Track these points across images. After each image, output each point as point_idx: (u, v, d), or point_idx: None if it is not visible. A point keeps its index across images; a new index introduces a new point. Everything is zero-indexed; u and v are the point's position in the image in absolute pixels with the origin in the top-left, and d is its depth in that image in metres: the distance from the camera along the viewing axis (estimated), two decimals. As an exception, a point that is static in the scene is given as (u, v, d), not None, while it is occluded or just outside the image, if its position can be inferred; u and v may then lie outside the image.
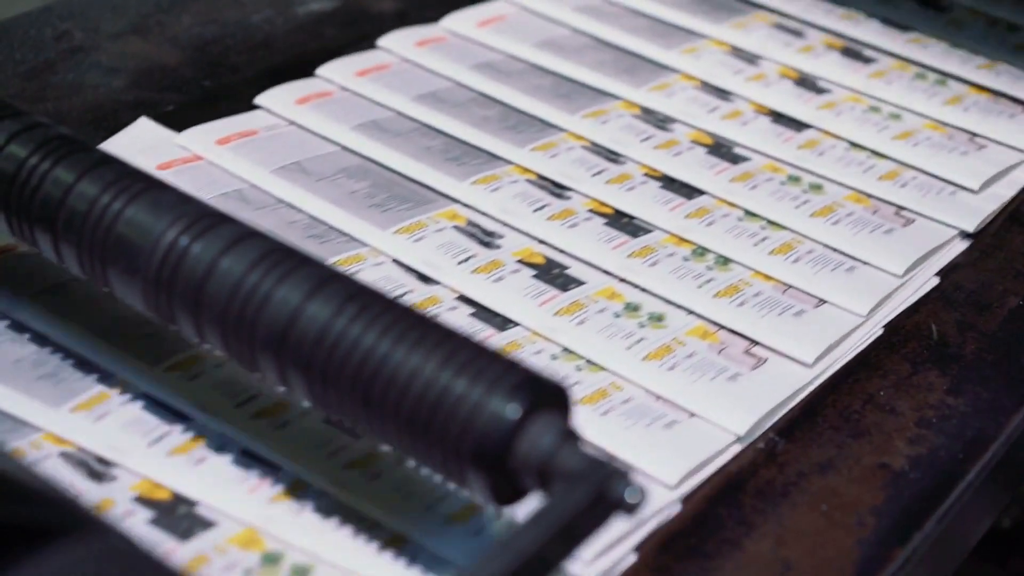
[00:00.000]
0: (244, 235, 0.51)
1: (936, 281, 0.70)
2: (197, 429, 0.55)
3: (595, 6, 0.91)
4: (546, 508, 0.44)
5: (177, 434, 0.55)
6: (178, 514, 0.52)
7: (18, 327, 0.60)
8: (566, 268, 0.67)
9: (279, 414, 0.56)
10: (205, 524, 0.52)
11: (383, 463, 0.54)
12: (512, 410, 0.45)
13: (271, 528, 0.51)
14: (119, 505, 0.52)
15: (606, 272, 0.67)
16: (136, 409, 0.56)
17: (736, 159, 0.77)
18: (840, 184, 0.76)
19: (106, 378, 0.58)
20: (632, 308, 0.65)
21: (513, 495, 0.47)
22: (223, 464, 0.54)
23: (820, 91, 0.84)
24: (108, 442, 0.54)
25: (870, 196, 0.75)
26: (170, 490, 0.53)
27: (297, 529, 0.51)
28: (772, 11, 0.92)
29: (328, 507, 0.52)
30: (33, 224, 0.55)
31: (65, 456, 0.54)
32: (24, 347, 0.59)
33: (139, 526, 0.52)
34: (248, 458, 0.54)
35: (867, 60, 0.87)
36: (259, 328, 0.49)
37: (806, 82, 0.85)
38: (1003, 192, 0.77)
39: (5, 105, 0.58)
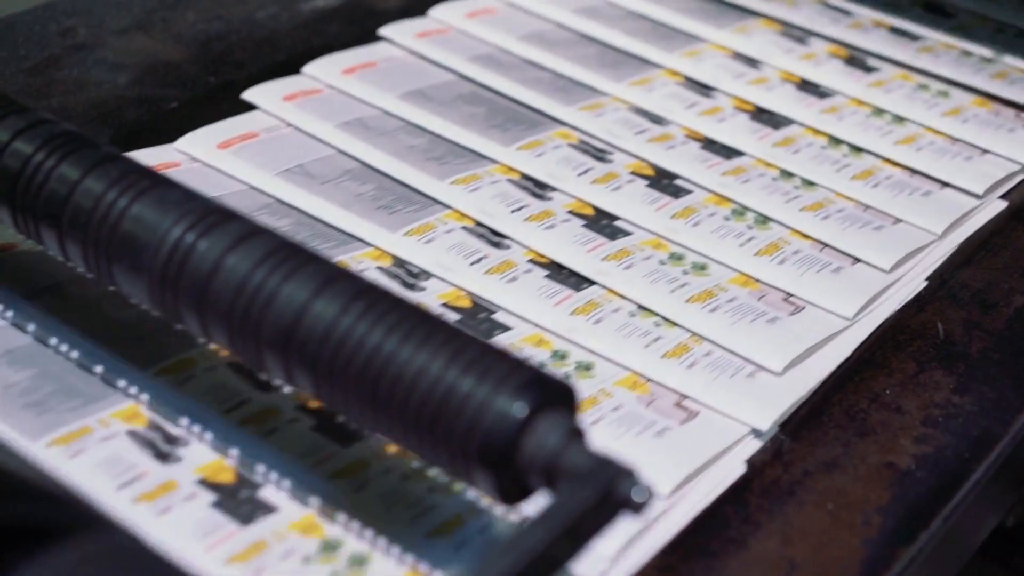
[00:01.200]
0: (250, 232, 0.51)
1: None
2: (169, 475, 0.53)
3: (595, 7, 0.91)
4: (553, 507, 0.44)
5: (148, 479, 0.53)
6: (240, 498, 0.52)
7: (19, 349, 0.58)
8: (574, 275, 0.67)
9: (267, 421, 0.56)
10: (267, 509, 0.52)
11: (369, 473, 0.54)
12: (519, 408, 0.45)
13: None
14: (183, 488, 0.53)
15: (587, 277, 0.67)
16: (114, 446, 0.54)
17: (678, 192, 0.75)
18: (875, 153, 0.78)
19: (93, 408, 0.56)
20: (644, 308, 0.65)
21: (519, 494, 0.47)
22: (186, 516, 0.52)
23: (823, 95, 0.84)
24: (78, 483, 0.52)
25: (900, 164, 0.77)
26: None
27: None
28: (777, 19, 0.92)
29: (286, 574, 0.50)
30: (39, 221, 0.55)
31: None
32: (18, 372, 0.57)
33: (201, 509, 0.52)
34: (214, 510, 0.52)
35: (869, 69, 0.87)
36: (265, 326, 0.49)
37: (808, 86, 0.85)
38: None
39: (10, 101, 0.58)
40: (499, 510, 0.52)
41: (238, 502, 0.52)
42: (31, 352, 0.58)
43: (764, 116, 0.81)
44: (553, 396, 0.46)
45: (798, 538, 0.54)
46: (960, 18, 0.94)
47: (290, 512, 0.52)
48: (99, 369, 0.57)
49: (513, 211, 0.70)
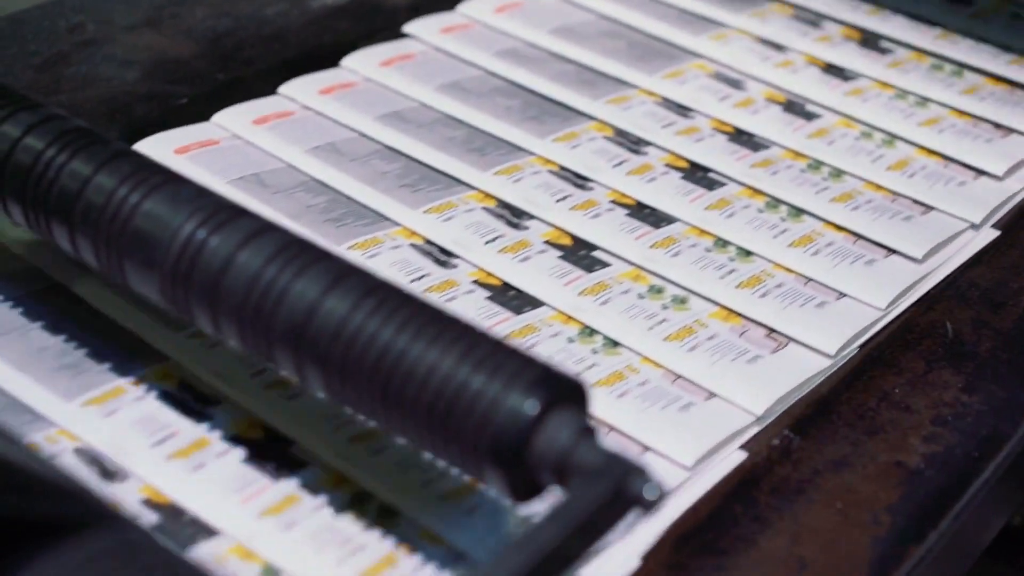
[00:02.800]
0: (262, 229, 0.51)
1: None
2: (203, 432, 0.55)
3: (569, 26, 0.91)
4: (564, 504, 0.44)
5: (181, 437, 0.55)
6: (271, 453, 0.54)
7: (53, 314, 0.60)
8: (592, 251, 0.68)
9: (290, 386, 0.57)
10: (298, 464, 0.54)
11: (386, 438, 0.55)
12: (530, 406, 0.45)
13: (254, 543, 0.51)
14: (215, 444, 0.54)
15: (629, 261, 0.68)
16: (147, 406, 0.56)
17: (757, 146, 0.78)
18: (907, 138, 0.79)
19: (124, 369, 0.58)
20: (656, 290, 0.66)
21: (530, 491, 0.47)
22: (219, 472, 0.53)
23: (847, 78, 0.84)
24: (112, 441, 0.54)
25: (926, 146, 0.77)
26: (168, 498, 0.52)
27: (285, 546, 0.51)
28: (792, 4, 0.92)
29: (318, 526, 0.51)
30: (50, 216, 0.55)
31: (79, 452, 0.54)
32: (54, 336, 0.59)
33: (234, 464, 0.53)
34: (246, 465, 0.54)
35: (884, 51, 0.87)
36: (277, 322, 0.49)
37: (832, 69, 0.85)
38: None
39: (22, 97, 0.58)
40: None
41: (270, 457, 0.54)
42: (65, 317, 0.60)
43: (795, 107, 0.82)
44: (564, 393, 0.46)
45: (807, 536, 0.54)
46: (979, 4, 0.94)
47: (319, 465, 0.53)
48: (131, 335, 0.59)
49: (558, 200, 0.71)
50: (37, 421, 0.55)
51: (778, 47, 0.87)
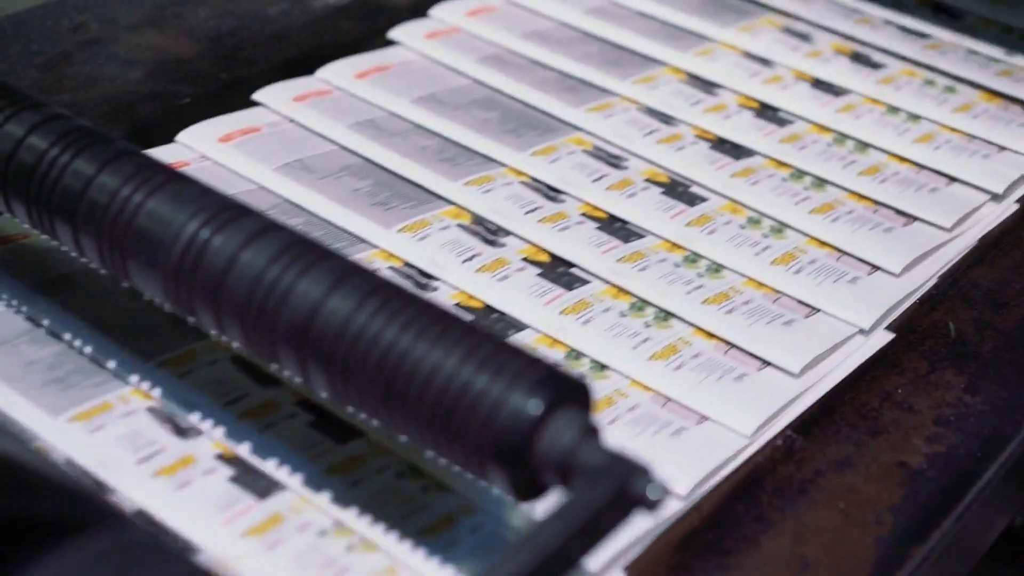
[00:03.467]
0: (265, 228, 0.51)
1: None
2: (189, 449, 0.54)
3: (602, 7, 0.91)
4: (568, 504, 0.44)
5: (167, 454, 0.54)
6: (257, 473, 0.53)
7: (41, 327, 0.59)
8: (570, 267, 0.67)
9: (265, 415, 0.56)
10: (284, 483, 0.53)
11: (364, 471, 0.54)
12: (534, 406, 0.45)
13: (238, 564, 0.50)
14: (201, 462, 0.54)
15: (601, 277, 0.67)
16: (134, 422, 0.55)
17: (693, 200, 0.74)
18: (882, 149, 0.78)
19: (113, 384, 0.57)
20: (638, 308, 0.65)
21: (534, 490, 0.47)
22: (205, 490, 0.53)
23: (837, 94, 0.84)
24: (98, 457, 0.53)
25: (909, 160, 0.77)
26: (154, 515, 0.52)
27: (267, 567, 0.50)
28: (782, 13, 0.92)
29: (302, 547, 0.51)
30: (53, 215, 0.55)
31: (69, 464, 0.53)
32: (42, 349, 0.58)
33: (219, 484, 0.53)
34: (232, 484, 0.53)
35: (876, 66, 0.87)
36: (280, 322, 0.49)
37: (821, 85, 0.85)
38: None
39: (25, 96, 0.58)
40: (492, 511, 0.53)
41: (255, 477, 0.53)
42: (54, 329, 0.59)
43: (769, 113, 0.81)
44: (568, 393, 0.46)
45: (810, 537, 0.54)
46: (968, 19, 0.94)
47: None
48: (111, 364, 0.58)
49: (527, 212, 0.70)
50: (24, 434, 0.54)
51: (765, 62, 0.86)
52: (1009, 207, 0.76)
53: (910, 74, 0.86)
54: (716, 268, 0.68)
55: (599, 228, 0.70)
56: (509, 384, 0.46)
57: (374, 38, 0.85)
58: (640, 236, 0.70)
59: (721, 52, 0.87)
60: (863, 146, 0.79)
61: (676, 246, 0.69)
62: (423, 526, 0.52)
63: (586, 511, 0.44)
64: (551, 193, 0.72)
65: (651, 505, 0.44)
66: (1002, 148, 0.79)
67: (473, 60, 0.83)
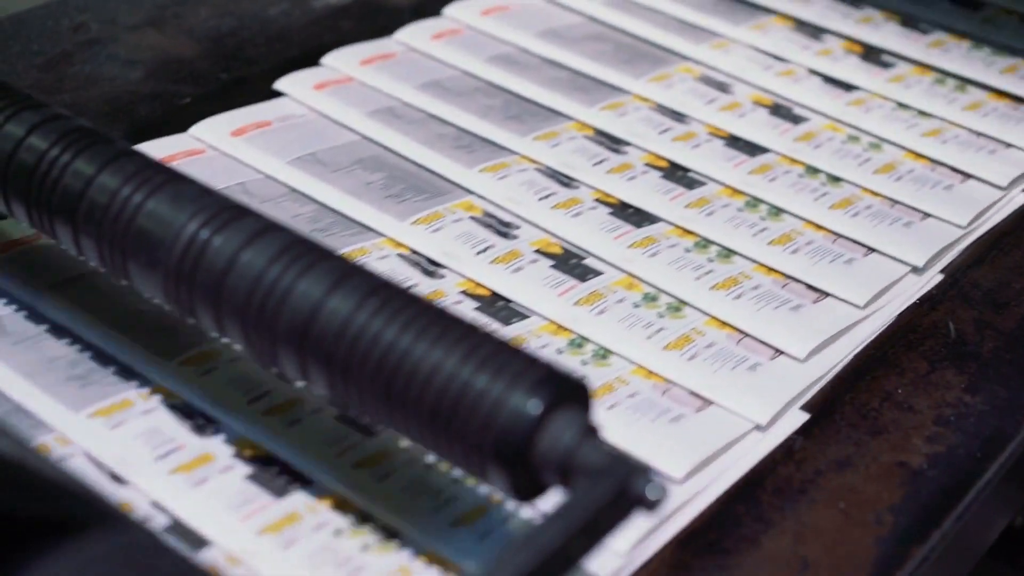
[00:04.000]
0: (265, 228, 0.51)
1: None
2: (208, 447, 0.55)
3: (615, 4, 0.91)
4: (568, 504, 0.44)
5: (186, 451, 0.54)
6: (274, 471, 0.54)
7: (64, 324, 0.59)
8: (583, 259, 0.68)
9: (291, 411, 0.56)
10: (302, 481, 0.53)
11: (393, 463, 0.54)
12: (534, 406, 0.45)
13: (254, 560, 0.50)
14: (219, 460, 0.54)
15: (615, 265, 0.67)
16: (154, 420, 0.55)
17: (755, 151, 0.77)
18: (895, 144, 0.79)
19: (134, 382, 0.57)
20: (650, 299, 0.65)
21: (534, 490, 0.47)
22: (222, 488, 0.53)
23: (848, 89, 0.84)
24: (117, 453, 0.54)
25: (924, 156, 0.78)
26: (170, 512, 0.52)
27: (283, 565, 0.50)
28: (790, 15, 0.92)
29: (318, 546, 0.51)
30: (53, 216, 0.55)
31: (89, 457, 0.54)
32: (64, 345, 0.58)
33: (237, 481, 0.53)
34: (249, 483, 0.53)
35: (886, 65, 0.87)
36: (280, 322, 0.49)
37: (833, 82, 0.85)
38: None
39: (25, 97, 0.58)
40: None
41: (273, 475, 0.53)
42: (77, 326, 0.59)
43: (783, 111, 0.82)
44: (568, 393, 0.46)
45: (811, 537, 0.54)
46: (987, 10, 0.94)
47: (324, 486, 0.53)
48: (134, 364, 0.58)
49: (540, 198, 0.71)
50: (39, 427, 0.55)
51: (777, 59, 0.87)
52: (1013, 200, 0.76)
53: (920, 72, 0.86)
54: (727, 254, 0.69)
55: (611, 214, 0.71)
56: (509, 384, 0.46)
57: (375, 37, 0.85)
58: (653, 222, 0.71)
59: (733, 49, 0.87)
60: (877, 144, 0.79)
61: (687, 232, 0.70)
62: (456, 517, 0.52)
63: (586, 511, 0.44)
64: (564, 180, 0.74)
65: (651, 505, 0.44)
66: (1008, 145, 0.80)
67: (481, 60, 0.84)
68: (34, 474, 0.44)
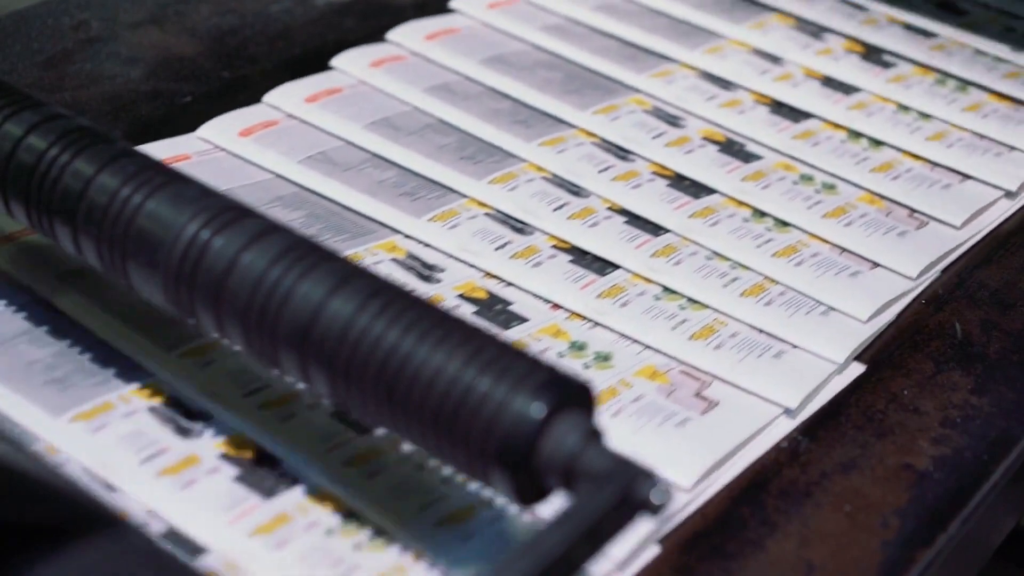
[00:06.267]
0: (266, 229, 0.51)
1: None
2: (194, 448, 0.54)
3: (612, 4, 0.91)
4: (571, 508, 0.43)
5: (171, 453, 0.53)
6: (262, 471, 0.53)
7: (40, 327, 0.59)
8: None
9: (285, 406, 0.56)
10: (290, 481, 0.53)
11: (383, 461, 0.54)
12: (537, 409, 0.45)
13: (247, 562, 0.50)
14: (205, 462, 0.53)
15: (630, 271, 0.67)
16: (135, 422, 0.55)
17: (748, 157, 0.77)
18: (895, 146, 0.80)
19: (115, 384, 0.56)
20: (670, 291, 0.66)
21: (537, 495, 0.46)
22: (210, 490, 0.52)
23: (848, 91, 0.84)
24: (99, 457, 0.53)
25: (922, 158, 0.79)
26: (159, 514, 0.51)
27: (275, 566, 0.50)
28: (791, 14, 0.91)
29: (310, 546, 0.51)
30: (52, 216, 0.54)
31: (71, 465, 0.53)
32: (41, 349, 0.57)
33: (224, 482, 0.52)
34: (237, 484, 0.53)
35: (886, 65, 0.87)
36: (281, 324, 0.49)
37: (832, 83, 0.85)
38: None
39: (25, 96, 0.57)
40: (510, 503, 0.52)
41: (260, 475, 0.53)
42: (53, 329, 0.58)
43: (784, 110, 0.81)
44: (571, 396, 0.46)
45: (816, 540, 0.54)
46: (973, 15, 0.93)
47: (313, 485, 0.53)
48: (134, 357, 0.58)
49: (600, 171, 0.73)
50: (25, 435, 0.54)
51: (775, 59, 0.86)
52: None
53: (922, 73, 0.86)
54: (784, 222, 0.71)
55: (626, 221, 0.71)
56: (512, 388, 0.45)
57: (377, 37, 0.85)
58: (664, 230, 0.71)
59: (732, 49, 0.87)
60: (876, 143, 0.79)
61: (742, 204, 0.72)
62: (441, 517, 0.52)
63: (590, 516, 0.43)
64: (621, 153, 0.76)
65: (655, 509, 0.44)
66: (1012, 148, 0.80)
67: (534, 28, 0.86)
68: (30, 479, 0.43)
